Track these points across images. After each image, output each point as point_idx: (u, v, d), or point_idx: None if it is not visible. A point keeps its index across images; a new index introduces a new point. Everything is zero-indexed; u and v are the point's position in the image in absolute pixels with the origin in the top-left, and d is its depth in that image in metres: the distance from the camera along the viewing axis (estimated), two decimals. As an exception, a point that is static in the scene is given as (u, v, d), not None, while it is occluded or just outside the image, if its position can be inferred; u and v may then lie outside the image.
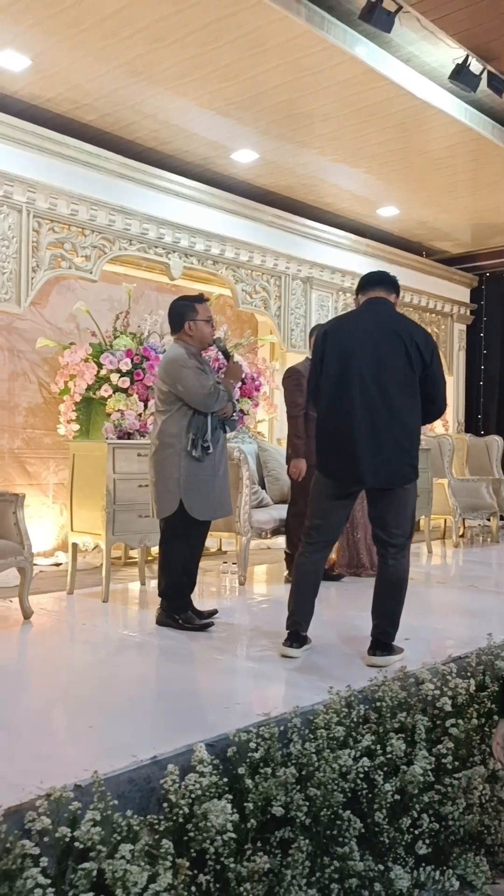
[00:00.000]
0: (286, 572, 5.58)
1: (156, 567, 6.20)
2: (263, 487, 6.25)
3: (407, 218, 8.76)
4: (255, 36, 4.98)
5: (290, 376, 5.43)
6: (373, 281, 3.72)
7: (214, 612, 4.33)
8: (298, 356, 7.27)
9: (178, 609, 4.09)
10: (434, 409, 3.59)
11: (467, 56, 5.18)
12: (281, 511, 5.68)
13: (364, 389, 3.46)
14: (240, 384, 4.30)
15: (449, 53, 5.27)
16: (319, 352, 3.63)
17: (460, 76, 5.16)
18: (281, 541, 6.10)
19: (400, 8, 4.59)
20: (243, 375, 4.37)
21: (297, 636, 3.60)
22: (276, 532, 5.68)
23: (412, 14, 4.73)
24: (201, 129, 6.36)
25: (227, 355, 4.32)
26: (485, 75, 5.35)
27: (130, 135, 6.46)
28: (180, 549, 4.08)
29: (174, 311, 4.13)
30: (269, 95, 5.79)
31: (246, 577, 5.44)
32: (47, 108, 5.98)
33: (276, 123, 6.28)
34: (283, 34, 4.95)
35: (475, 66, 5.25)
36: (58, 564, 6.30)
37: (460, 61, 5.19)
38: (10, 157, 5.64)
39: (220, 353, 4.38)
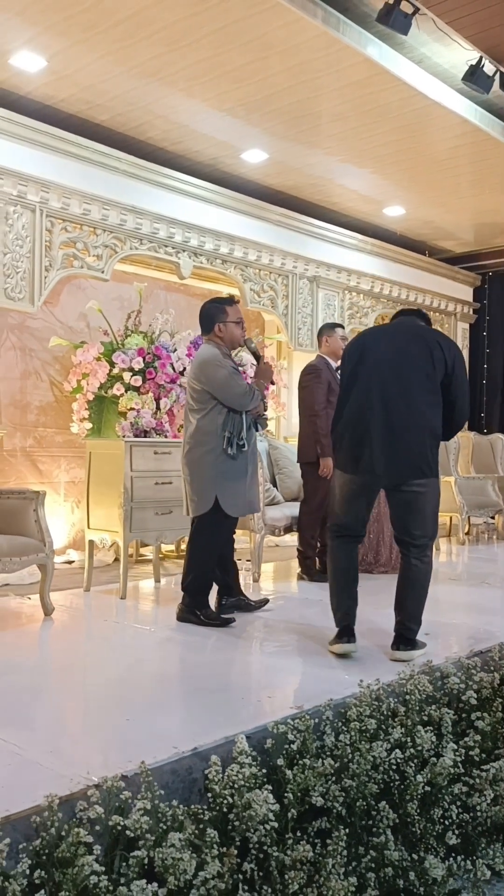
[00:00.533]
0: (299, 570, 5.64)
1: (168, 564, 6.29)
2: (275, 485, 6.29)
3: (412, 217, 8.82)
4: (269, 38, 5.02)
5: (312, 373, 5.43)
6: (403, 312, 3.97)
7: (265, 601, 4.52)
8: (305, 355, 7.34)
9: (199, 605, 4.15)
10: (454, 416, 3.61)
11: (481, 58, 5.23)
12: (293, 508, 5.72)
13: (383, 384, 3.50)
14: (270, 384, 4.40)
15: (462, 55, 5.32)
16: (347, 356, 3.74)
17: (474, 77, 5.21)
18: (289, 538, 6.15)
19: (417, 10, 4.65)
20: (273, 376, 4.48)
21: (349, 631, 3.58)
22: (288, 529, 5.73)
23: (428, 16, 4.78)
24: (212, 129, 6.41)
25: (258, 356, 4.42)
26: (498, 76, 5.40)
27: (142, 135, 6.50)
28: (211, 545, 4.16)
29: (205, 313, 4.25)
30: (279, 97, 5.84)
31: (260, 574, 5.49)
32: (61, 108, 6.02)
33: (286, 124, 6.33)
34: (298, 36, 4.99)
35: (488, 67, 5.29)
36: (70, 562, 6.34)
37: (474, 62, 5.24)
38: (24, 156, 5.68)
39: (251, 353, 4.48)
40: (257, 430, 4.26)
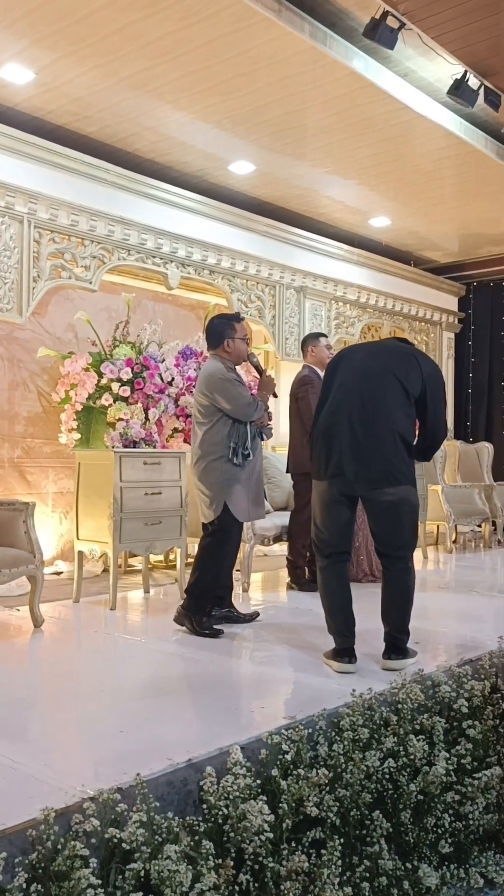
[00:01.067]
0: (288, 579, 5.65)
1: (156, 574, 6.28)
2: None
3: (398, 228, 8.89)
4: (256, 52, 5.06)
5: (307, 383, 5.46)
6: (389, 339, 4.10)
7: (256, 614, 4.58)
8: (293, 365, 7.37)
9: (196, 610, 4.21)
10: (428, 434, 3.65)
11: (465, 72, 5.30)
12: (282, 518, 5.74)
13: (357, 392, 3.52)
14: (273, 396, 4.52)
15: (446, 69, 5.39)
16: (328, 368, 3.79)
17: (459, 91, 5.27)
18: (278, 548, 6.16)
19: (403, 25, 4.70)
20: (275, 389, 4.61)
21: (350, 651, 3.54)
22: (277, 539, 5.74)
23: (414, 31, 4.84)
24: (199, 141, 6.44)
25: (261, 370, 4.54)
26: (482, 90, 5.47)
27: (130, 146, 6.53)
28: (219, 549, 4.26)
29: (214, 328, 4.34)
30: (267, 109, 5.89)
31: (249, 584, 5.50)
32: (49, 119, 6.04)
33: (273, 136, 6.37)
34: (285, 50, 5.03)
35: (473, 81, 5.36)
36: (58, 573, 6.32)
37: (459, 76, 5.30)
38: (12, 168, 5.69)
39: (254, 368, 4.59)
40: (262, 440, 4.37)
